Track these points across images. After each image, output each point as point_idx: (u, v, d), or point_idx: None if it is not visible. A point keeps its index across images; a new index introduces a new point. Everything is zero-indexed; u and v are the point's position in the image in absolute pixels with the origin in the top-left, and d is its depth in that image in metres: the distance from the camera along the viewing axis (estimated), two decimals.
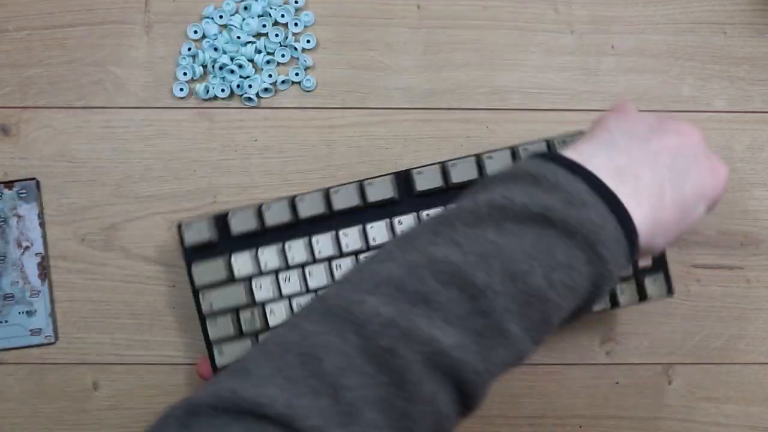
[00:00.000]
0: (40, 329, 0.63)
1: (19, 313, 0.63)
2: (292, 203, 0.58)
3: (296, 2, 0.64)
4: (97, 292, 0.63)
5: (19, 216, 0.63)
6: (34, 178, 0.63)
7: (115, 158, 0.64)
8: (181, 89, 0.64)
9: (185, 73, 0.64)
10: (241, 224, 0.57)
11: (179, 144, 0.64)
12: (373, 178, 0.58)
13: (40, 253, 0.63)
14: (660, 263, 0.59)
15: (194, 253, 0.58)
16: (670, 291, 0.59)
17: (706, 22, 0.65)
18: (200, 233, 0.57)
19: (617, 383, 0.64)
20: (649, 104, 0.64)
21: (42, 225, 0.63)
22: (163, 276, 0.63)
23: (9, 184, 0.63)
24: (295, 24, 0.64)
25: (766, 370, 0.64)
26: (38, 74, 0.64)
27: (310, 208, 0.57)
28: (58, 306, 0.63)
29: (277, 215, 0.57)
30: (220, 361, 0.58)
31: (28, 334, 0.63)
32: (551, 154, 0.45)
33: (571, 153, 0.44)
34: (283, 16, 0.64)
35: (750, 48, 0.65)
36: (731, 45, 0.65)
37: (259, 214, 0.58)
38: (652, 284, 0.58)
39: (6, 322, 0.63)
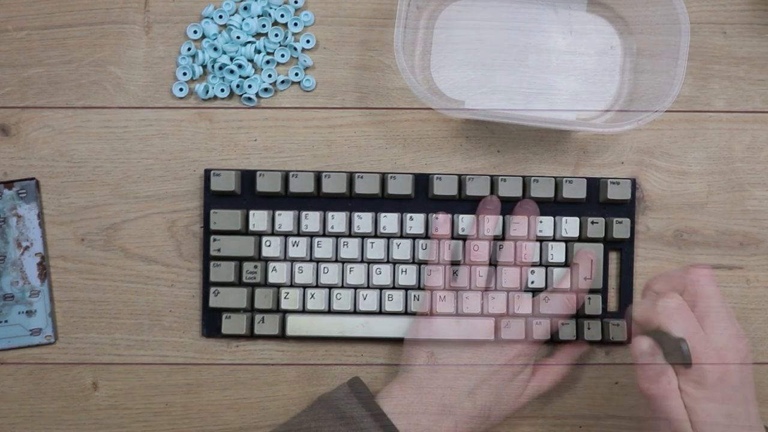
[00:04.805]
0: (40, 329, 0.63)
1: (19, 313, 0.63)
2: (318, 178, 0.62)
3: (296, 2, 0.64)
4: (97, 292, 0.63)
5: (18, 216, 0.63)
6: (33, 178, 0.63)
7: (115, 158, 0.64)
8: (181, 89, 0.64)
9: (185, 73, 0.64)
10: (266, 184, 0.61)
11: (179, 144, 0.64)
12: (396, 173, 0.61)
13: (40, 253, 0.63)
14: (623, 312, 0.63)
15: (215, 200, 0.62)
16: (628, 339, 0.62)
17: (706, 22, 0.65)
18: (227, 183, 0.61)
19: (617, 383, 0.64)
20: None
21: (42, 225, 0.63)
22: (163, 276, 0.63)
23: (9, 184, 0.63)
24: (295, 24, 0.64)
25: (766, 370, 0.64)
26: (38, 74, 0.64)
27: (333, 186, 0.61)
28: (57, 306, 0.63)
29: (301, 185, 0.61)
30: (213, 302, 0.61)
31: (27, 334, 0.63)
32: None
33: None
34: (282, 16, 0.64)
35: (750, 48, 0.65)
36: (731, 45, 0.65)
37: (285, 180, 0.62)
38: (615, 328, 0.62)
39: (6, 322, 0.63)
